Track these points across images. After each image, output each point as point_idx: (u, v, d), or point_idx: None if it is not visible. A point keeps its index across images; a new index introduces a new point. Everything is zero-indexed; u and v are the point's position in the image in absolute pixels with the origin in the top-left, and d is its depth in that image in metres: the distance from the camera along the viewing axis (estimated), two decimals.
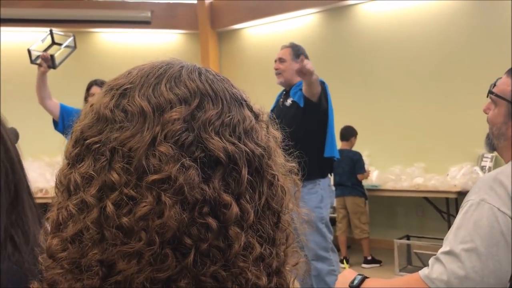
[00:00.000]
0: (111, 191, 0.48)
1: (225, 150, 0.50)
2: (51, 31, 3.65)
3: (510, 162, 1.36)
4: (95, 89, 3.52)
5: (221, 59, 7.54)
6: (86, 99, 3.59)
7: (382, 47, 6.07)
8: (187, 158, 0.49)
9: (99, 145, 0.51)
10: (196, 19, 7.29)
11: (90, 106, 0.55)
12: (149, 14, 6.96)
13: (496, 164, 5.12)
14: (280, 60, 3.50)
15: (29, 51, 3.45)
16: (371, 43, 6.16)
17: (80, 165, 0.51)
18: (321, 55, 6.06)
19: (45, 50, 3.55)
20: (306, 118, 3.26)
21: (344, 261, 5.19)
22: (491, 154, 5.11)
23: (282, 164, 0.58)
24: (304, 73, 3.01)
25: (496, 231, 1.18)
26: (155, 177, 0.48)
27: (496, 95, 1.40)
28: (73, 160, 0.53)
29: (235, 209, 0.49)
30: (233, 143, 0.51)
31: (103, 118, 0.52)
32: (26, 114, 6.13)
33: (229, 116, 0.53)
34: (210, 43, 7.35)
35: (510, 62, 4.51)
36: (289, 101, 3.41)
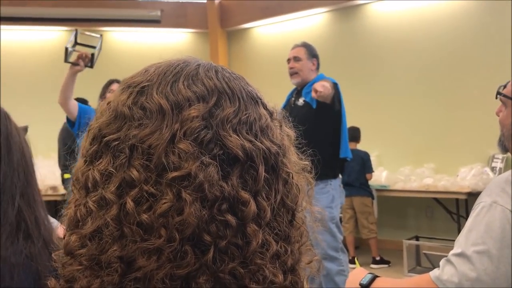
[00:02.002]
0: (131, 188, 0.49)
1: (243, 147, 0.50)
2: (76, 30, 3.47)
3: None
4: (115, 86, 3.48)
5: (231, 58, 7.54)
6: (102, 97, 3.57)
7: (391, 47, 6.04)
8: (207, 156, 0.49)
9: (118, 142, 0.51)
10: (206, 18, 7.30)
11: (107, 104, 0.55)
12: (159, 13, 6.98)
13: (507, 165, 5.08)
14: (296, 58, 3.45)
15: (66, 50, 3.25)
16: (381, 43, 6.13)
17: (99, 162, 0.51)
18: (331, 54, 6.04)
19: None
20: (318, 119, 3.25)
21: (356, 260, 5.17)
22: (502, 155, 5.07)
23: (296, 162, 0.58)
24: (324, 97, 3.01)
25: (508, 234, 1.17)
26: (175, 174, 0.48)
27: (505, 96, 1.39)
28: (91, 158, 0.53)
29: (253, 206, 0.49)
30: (250, 141, 0.51)
31: (121, 116, 0.52)
32: (35, 112, 6.18)
33: (246, 114, 0.53)
34: (220, 42, 7.36)
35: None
36: (301, 101, 3.40)
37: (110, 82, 3.63)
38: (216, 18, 7.27)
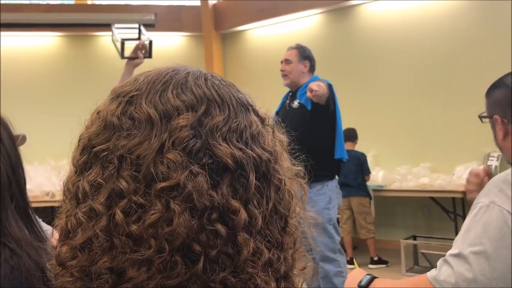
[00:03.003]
0: (120, 199, 0.48)
1: (232, 156, 0.50)
2: (139, 24, 3.15)
3: None
4: None
5: (226, 61, 7.54)
6: None
7: (387, 47, 6.06)
8: (195, 165, 0.49)
9: (107, 152, 0.51)
10: (200, 21, 7.30)
11: (97, 113, 0.55)
12: (152, 17, 6.96)
13: (503, 163, 5.09)
14: (286, 61, 3.48)
15: (122, 44, 2.94)
16: (376, 43, 6.15)
17: (88, 173, 0.51)
18: (326, 55, 6.05)
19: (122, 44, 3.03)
20: (314, 121, 3.25)
21: (354, 261, 5.17)
22: (498, 153, 5.08)
23: (288, 168, 0.58)
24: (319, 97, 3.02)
25: (506, 234, 1.17)
26: (163, 184, 0.48)
27: (484, 117, 1.45)
28: (80, 168, 0.53)
29: (243, 215, 0.49)
30: (241, 149, 0.51)
31: (110, 126, 0.52)
32: (31, 117, 6.16)
33: (236, 122, 0.53)
34: (214, 45, 7.36)
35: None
36: (296, 103, 3.41)
37: None
38: (210, 21, 7.27)
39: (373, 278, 1.39)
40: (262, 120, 0.57)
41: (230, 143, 0.51)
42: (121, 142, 0.50)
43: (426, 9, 5.81)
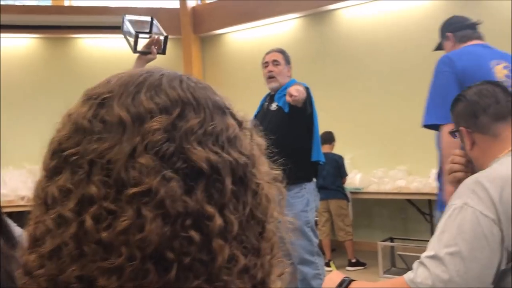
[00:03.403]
0: (90, 205, 0.47)
1: (208, 160, 0.49)
2: (152, 17, 2.97)
3: (491, 165, 1.39)
4: None
5: (205, 64, 7.53)
6: None
7: (363, 51, 6.12)
8: (169, 170, 0.47)
9: (77, 157, 0.49)
10: (179, 24, 7.27)
11: (68, 116, 0.53)
12: None
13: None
14: (275, 62, 3.43)
15: (137, 37, 2.78)
16: (353, 48, 6.21)
17: (58, 178, 0.49)
18: (304, 59, 6.08)
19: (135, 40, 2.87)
20: (291, 123, 3.27)
21: (332, 264, 5.22)
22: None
23: (266, 172, 0.56)
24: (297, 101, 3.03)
25: (479, 235, 1.19)
26: (135, 190, 0.46)
27: (451, 132, 1.59)
28: (50, 173, 0.51)
29: (218, 221, 0.47)
30: (216, 153, 0.50)
31: (81, 129, 0.50)
32: (6, 121, 6.05)
33: (212, 125, 0.51)
34: (193, 48, 7.33)
35: None
36: (274, 106, 3.41)
37: None
38: (189, 24, 7.25)
39: (350, 281, 1.40)
40: (240, 123, 0.55)
41: (205, 147, 0.49)
42: (91, 146, 0.49)
43: (402, 14, 5.89)
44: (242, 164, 0.51)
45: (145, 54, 2.67)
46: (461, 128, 1.51)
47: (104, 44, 7.19)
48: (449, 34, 2.90)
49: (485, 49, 2.70)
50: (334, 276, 1.45)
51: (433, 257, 1.22)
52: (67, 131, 0.51)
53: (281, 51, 3.51)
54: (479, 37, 2.81)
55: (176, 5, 7.30)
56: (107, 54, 7.05)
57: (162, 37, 2.72)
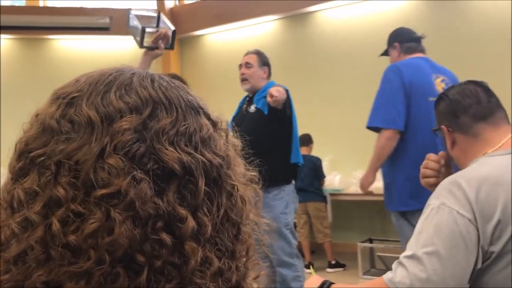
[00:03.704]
0: (57, 208, 0.45)
1: (180, 161, 0.48)
2: (159, 12, 2.84)
3: (469, 165, 1.40)
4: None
5: (183, 66, 7.49)
6: None
7: (342, 53, 6.16)
8: (139, 171, 0.46)
9: (44, 158, 0.47)
10: None
11: (36, 116, 0.51)
12: (107, 20, 6.85)
13: None
14: (247, 65, 3.44)
15: (143, 31, 2.65)
16: (332, 49, 6.24)
17: (24, 180, 0.48)
18: (283, 60, 6.10)
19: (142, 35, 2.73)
20: (270, 125, 3.26)
21: (311, 267, 5.23)
22: None
23: (242, 173, 0.56)
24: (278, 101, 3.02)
25: (456, 234, 1.20)
26: (103, 191, 0.45)
27: (433, 130, 1.59)
28: (16, 175, 0.49)
29: (191, 223, 0.46)
30: (189, 153, 0.49)
31: (48, 129, 0.49)
32: None
33: (184, 125, 0.50)
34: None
35: (461, 65, 4.65)
36: (252, 108, 3.40)
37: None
38: None
39: (330, 284, 1.41)
40: (215, 123, 0.55)
41: (177, 148, 0.48)
42: (59, 146, 0.47)
43: (380, 16, 5.95)
44: (216, 165, 0.50)
45: (152, 49, 2.60)
46: (442, 126, 1.52)
47: (79, 45, 7.10)
48: (396, 44, 3.14)
49: (427, 63, 2.95)
50: (314, 279, 1.45)
51: (411, 257, 1.23)
52: (34, 131, 0.50)
53: (257, 53, 3.50)
54: (422, 50, 3.09)
55: (153, 6, 7.25)
56: (82, 55, 6.96)
57: (170, 32, 2.65)
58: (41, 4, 7.21)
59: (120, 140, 0.47)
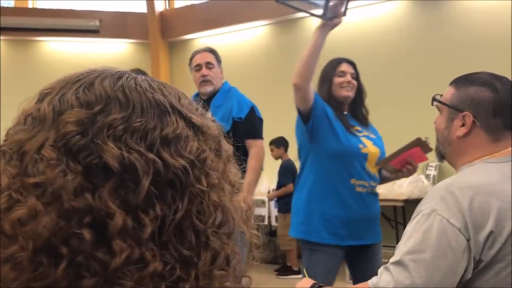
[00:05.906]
0: (1, 194, 0.47)
1: (120, 158, 0.47)
2: None
3: (461, 171, 1.37)
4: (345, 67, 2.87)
5: (172, 70, 7.47)
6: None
7: (331, 58, 6.18)
8: (72, 164, 0.47)
9: (4, 148, 0.50)
10: (146, 29, 7.21)
11: (22, 110, 0.54)
12: (97, 23, 6.83)
13: (441, 173, 5.29)
14: (208, 65, 3.11)
15: (327, 2, 2.48)
16: (321, 55, 6.25)
17: None
18: (271, 65, 6.11)
19: None
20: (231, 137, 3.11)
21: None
22: (436, 163, 5.28)
23: (230, 180, 0.55)
24: None
25: (444, 243, 1.18)
26: (32, 180, 0.46)
27: (439, 101, 1.43)
28: None
29: (119, 220, 0.46)
30: (137, 151, 0.48)
31: (19, 123, 0.52)
32: None
33: (139, 122, 0.50)
34: (161, 53, 7.27)
35: (453, 69, 4.70)
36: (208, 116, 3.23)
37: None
38: (157, 29, 7.19)
39: (319, 287, 1.41)
40: (193, 125, 0.53)
41: (124, 144, 0.48)
42: (16, 137, 0.50)
43: (368, 21, 5.99)
44: (175, 167, 0.49)
45: (329, 19, 2.44)
46: (467, 113, 1.37)
47: (69, 47, 7.07)
48: None
49: None
50: (304, 282, 1.45)
51: (397, 263, 1.21)
52: (12, 124, 0.53)
53: (212, 51, 3.23)
54: None
55: (143, 9, 7.24)
56: (71, 58, 6.92)
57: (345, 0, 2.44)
58: (30, 5, 7.17)
59: (61, 132, 0.48)
